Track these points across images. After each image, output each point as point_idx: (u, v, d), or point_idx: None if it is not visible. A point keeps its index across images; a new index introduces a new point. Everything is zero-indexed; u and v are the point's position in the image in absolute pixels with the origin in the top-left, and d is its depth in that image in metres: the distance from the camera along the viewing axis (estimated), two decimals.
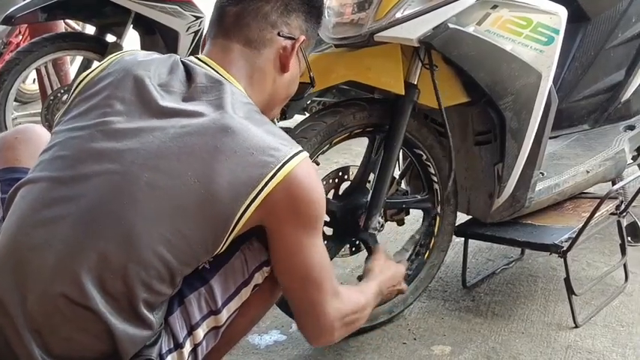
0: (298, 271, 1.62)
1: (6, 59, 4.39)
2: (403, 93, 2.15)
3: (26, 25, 4.91)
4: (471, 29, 2.09)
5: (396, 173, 2.38)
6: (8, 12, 3.91)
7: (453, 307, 2.57)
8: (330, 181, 2.31)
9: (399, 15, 2.04)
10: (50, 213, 1.45)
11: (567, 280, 2.38)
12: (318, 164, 2.31)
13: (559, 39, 2.23)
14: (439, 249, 2.47)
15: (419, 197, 2.44)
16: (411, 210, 2.52)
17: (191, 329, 1.61)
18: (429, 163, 2.36)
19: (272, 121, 1.71)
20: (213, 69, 1.62)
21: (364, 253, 2.36)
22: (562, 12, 2.24)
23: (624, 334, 2.36)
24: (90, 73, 1.64)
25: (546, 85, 2.24)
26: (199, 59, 1.64)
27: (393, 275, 2.07)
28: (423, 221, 2.50)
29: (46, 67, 4.16)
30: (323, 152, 2.24)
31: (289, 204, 1.53)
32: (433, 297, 2.62)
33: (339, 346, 2.33)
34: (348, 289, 1.84)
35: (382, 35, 2.06)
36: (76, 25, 5.22)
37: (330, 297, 1.66)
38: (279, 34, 1.68)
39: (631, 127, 2.95)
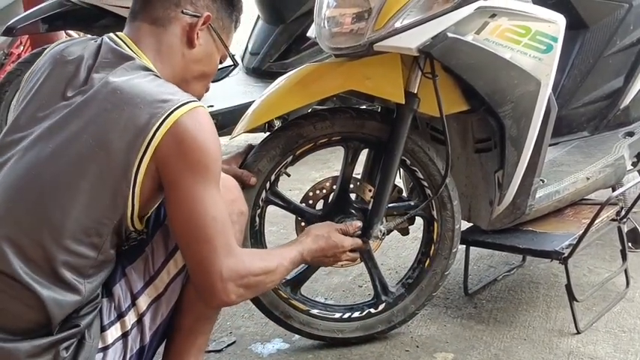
0: (188, 223, 1.66)
1: (7, 70, 4.42)
2: (403, 102, 2.16)
3: (27, 35, 4.93)
4: (469, 38, 2.10)
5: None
6: (9, 23, 3.94)
7: (455, 314, 2.57)
8: (317, 192, 2.32)
9: (398, 25, 2.05)
10: None
11: (569, 287, 2.39)
12: (288, 175, 2.34)
13: (558, 47, 2.24)
14: (441, 256, 2.42)
15: (412, 203, 2.42)
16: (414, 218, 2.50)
17: (133, 298, 1.71)
18: (414, 168, 2.34)
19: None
20: (125, 44, 1.75)
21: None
22: (560, 20, 2.25)
23: (626, 339, 2.36)
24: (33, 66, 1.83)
25: (545, 92, 2.25)
26: (117, 36, 1.78)
27: (328, 245, 2.07)
28: (423, 229, 2.50)
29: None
30: (287, 165, 2.27)
31: (177, 150, 1.60)
32: (435, 304, 2.63)
33: (342, 354, 2.33)
34: (252, 250, 1.94)
35: (382, 45, 2.07)
36: (76, 35, 5.23)
37: (223, 255, 1.68)
38: (182, 12, 1.79)
39: (630, 134, 2.96)
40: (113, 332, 1.69)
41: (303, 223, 2.30)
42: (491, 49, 2.13)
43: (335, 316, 2.34)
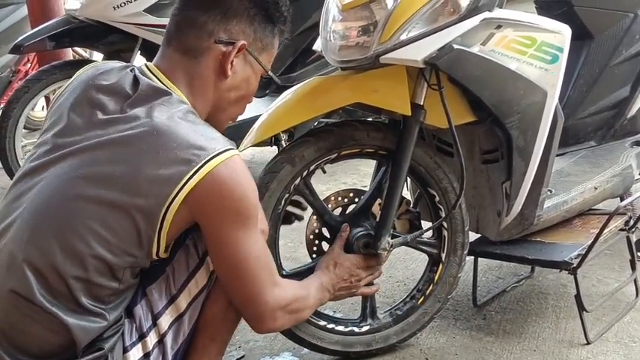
0: (233, 267, 1.70)
1: (15, 87, 4.44)
2: (410, 114, 2.17)
3: (34, 53, 4.96)
4: (475, 49, 2.10)
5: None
6: (17, 41, 3.96)
7: (464, 326, 2.57)
8: (340, 198, 2.33)
9: (404, 37, 2.06)
10: (6, 220, 1.62)
11: (578, 297, 2.38)
12: (324, 172, 2.36)
13: (564, 57, 2.24)
14: (435, 298, 2.42)
15: (425, 239, 2.44)
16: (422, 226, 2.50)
17: (154, 319, 1.71)
18: (428, 185, 2.37)
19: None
20: (157, 78, 1.72)
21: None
22: (566, 30, 2.26)
23: (636, 349, 2.35)
24: (60, 89, 1.81)
25: (552, 103, 2.25)
26: (148, 68, 1.75)
27: (343, 271, 2.12)
28: (426, 266, 2.50)
29: (54, 94, 4.19)
30: (328, 161, 2.29)
31: (214, 201, 1.61)
32: (444, 316, 2.62)
33: None
34: (289, 281, 1.94)
35: (388, 57, 2.08)
36: (83, 53, 5.27)
37: (268, 286, 1.74)
38: (215, 42, 1.74)
39: (638, 143, 2.96)
40: (135, 353, 1.68)
41: (312, 236, 2.30)
42: (497, 60, 2.13)
43: (319, 323, 2.30)
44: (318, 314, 2.32)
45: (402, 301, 2.45)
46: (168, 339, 1.73)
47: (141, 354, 1.69)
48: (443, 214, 2.38)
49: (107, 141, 1.60)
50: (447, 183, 2.35)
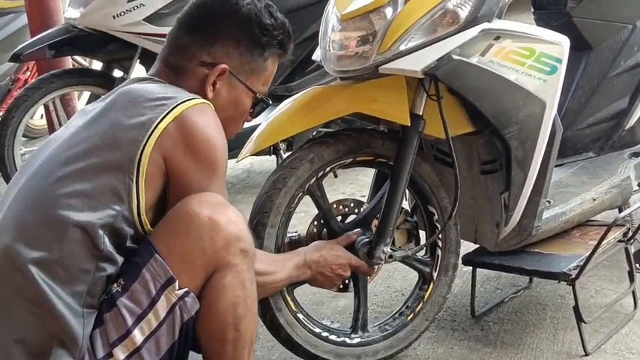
0: None
1: (14, 96, 4.44)
2: (409, 124, 2.17)
3: (34, 61, 4.96)
4: (474, 60, 2.11)
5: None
6: (16, 49, 3.96)
7: (462, 336, 2.56)
8: (341, 207, 2.33)
9: (402, 47, 2.06)
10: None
11: (576, 308, 2.38)
12: (336, 176, 2.36)
13: (562, 68, 2.24)
14: (424, 316, 2.42)
15: (419, 257, 2.45)
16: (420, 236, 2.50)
17: (110, 349, 1.65)
18: (425, 193, 2.38)
19: None
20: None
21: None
22: (564, 41, 2.26)
23: None
24: None
25: (551, 114, 2.25)
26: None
27: (332, 259, 2.15)
28: (416, 284, 2.50)
29: (54, 102, 4.19)
30: (342, 165, 2.29)
31: (183, 141, 1.66)
32: (442, 327, 2.62)
33: None
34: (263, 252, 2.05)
35: (387, 67, 2.09)
36: (83, 61, 5.26)
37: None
38: (198, 64, 1.82)
39: (636, 154, 2.96)
40: None
41: (311, 241, 2.29)
42: (496, 70, 2.14)
43: (315, 330, 2.28)
44: (314, 322, 2.31)
45: (391, 317, 2.44)
46: None
47: None
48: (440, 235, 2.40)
49: (89, 119, 1.72)
50: (448, 203, 2.36)
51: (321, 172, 2.23)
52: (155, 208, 1.70)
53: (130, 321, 1.63)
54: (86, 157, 1.64)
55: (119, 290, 1.65)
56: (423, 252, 2.47)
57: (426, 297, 2.43)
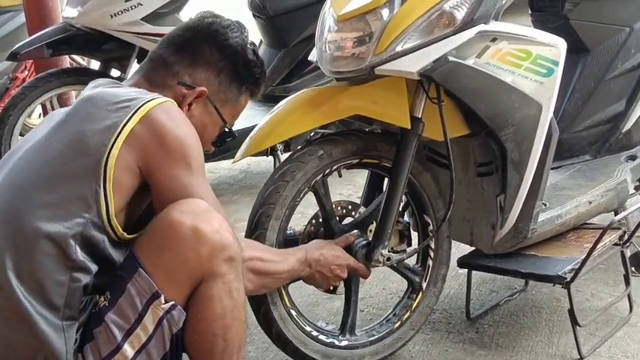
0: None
1: (12, 94, 4.43)
2: (409, 126, 2.16)
3: (32, 60, 4.96)
4: (470, 62, 2.10)
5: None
6: (14, 48, 3.96)
7: (457, 339, 2.56)
8: (339, 208, 2.33)
9: (399, 48, 2.06)
10: None
11: (571, 311, 2.38)
12: (340, 175, 2.36)
13: (559, 70, 2.24)
14: (411, 325, 2.42)
15: (411, 265, 2.45)
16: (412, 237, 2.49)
17: None
18: (419, 196, 2.39)
19: None
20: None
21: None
22: (561, 44, 2.26)
23: None
24: None
25: (547, 116, 2.25)
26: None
27: (332, 259, 2.14)
28: (405, 292, 2.49)
29: (51, 101, 4.20)
30: (348, 165, 2.29)
31: (154, 141, 1.66)
32: (437, 329, 2.61)
33: None
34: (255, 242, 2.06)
35: (383, 69, 2.08)
36: (81, 60, 5.26)
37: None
38: (179, 83, 1.86)
39: (632, 158, 2.96)
40: None
41: (307, 240, 2.28)
42: (492, 72, 2.13)
43: (306, 328, 2.27)
44: (306, 320, 2.30)
45: (378, 323, 2.43)
46: None
47: None
48: (432, 243, 2.42)
49: (51, 128, 1.72)
50: (445, 211, 2.34)
51: (328, 170, 2.23)
52: (125, 212, 1.70)
53: (119, 336, 1.63)
54: (51, 166, 1.64)
55: (106, 305, 1.65)
56: (414, 261, 2.47)
57: (413, 306, 2.43)
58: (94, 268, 1.65)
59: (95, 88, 1.82)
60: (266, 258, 1.96)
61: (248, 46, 1.96)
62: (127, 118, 1.64)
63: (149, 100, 1.69)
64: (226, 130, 1.99)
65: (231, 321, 1.70)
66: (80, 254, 1.61)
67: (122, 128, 1.63)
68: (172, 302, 1.64)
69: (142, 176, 1.67)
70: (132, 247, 1.68)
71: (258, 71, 1.99)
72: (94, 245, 1.64)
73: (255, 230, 2.13)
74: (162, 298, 1.63)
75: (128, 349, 1.63)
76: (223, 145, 2.03)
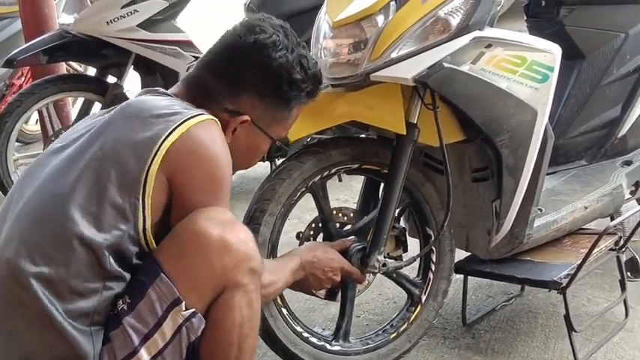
0: None
1: (8, 101, 4.44)
2: (405, 132, 2.17)
3: (28, 67, 4.96)
4: (465, 68, 2.11)
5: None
6: (10, 55, 3.96)
7: (453, 344, 2.56)
8: (340, 214, 2.33)
9: (394, 55, 2.06)
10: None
11: (567, 317, 2.37)
12: (340, 180, 2.38)
13: (554, 76, 2.25)
14: (407, 338, 2.40)
15: (411, 278, 2.45)
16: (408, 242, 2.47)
17: None
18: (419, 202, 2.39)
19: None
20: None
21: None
22: (556, 50, 2.27)
23: None
24: None
25: (542, 122, 2.25)
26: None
27: (326, 262, 2.13)
28: (404, 304, 2.48)
29: (47, 108, 4.18)
30: (347, 170, 2.30)
31: (189, 160, 1.64)
32: (433, 335, 2.61)
33: None
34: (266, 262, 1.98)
35: (378, 75, 2.08)
36: (77, 67, 5.27)
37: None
38: (222, 110, 1.80)
39: (628, 163, 2.96)
40: None
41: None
42: (487, 78, 2.14)
43: (296, 328, 2.25)
44: (297, 320, 2.29)
45: (374, 332, 2.42)
46: None
47: None
48: (433, 256, 2.41)
49: (93, 132, 1.69)
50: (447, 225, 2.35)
51: (327, 172, 2.24)
52: (159, 225, 1.68)
53: (136, 340, 1.61)
54: (90, 173, 1.61)
55: (125, 308, 1.63)
56: (415, 274, 2.47)
57: (412, 319, 2.41)
58: (127, 276, 1.64)
59: (139, 96, 1.81)
60: (264, 283, 1.86)
61: (294, 62, 1.84)
62: (168, 132, 1.62)
63: (192, 117, 1.66)
64: (278, 145, 1.95)
65: (249, 330, 1.70)
66: (114, 264, 1.60)
67: (162, 142, 1.61)
68: (193, 309, 1.63)
69: (169, 190, 1.65)
70: (153, 252, 1.66)
71: (310, 84, 1.89)
72: (126, 256, 1.63)
73: (249, 225, 2.11)
74: (183, 304, 1.62)
75: (144, 355, 1.61)
76: (277, 155, 2.02)
